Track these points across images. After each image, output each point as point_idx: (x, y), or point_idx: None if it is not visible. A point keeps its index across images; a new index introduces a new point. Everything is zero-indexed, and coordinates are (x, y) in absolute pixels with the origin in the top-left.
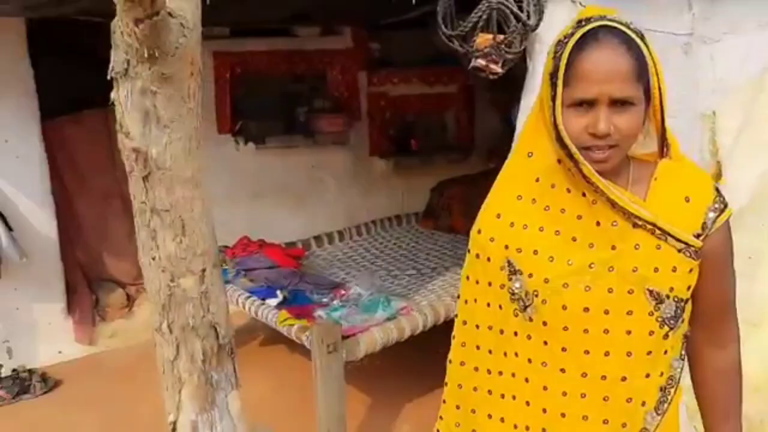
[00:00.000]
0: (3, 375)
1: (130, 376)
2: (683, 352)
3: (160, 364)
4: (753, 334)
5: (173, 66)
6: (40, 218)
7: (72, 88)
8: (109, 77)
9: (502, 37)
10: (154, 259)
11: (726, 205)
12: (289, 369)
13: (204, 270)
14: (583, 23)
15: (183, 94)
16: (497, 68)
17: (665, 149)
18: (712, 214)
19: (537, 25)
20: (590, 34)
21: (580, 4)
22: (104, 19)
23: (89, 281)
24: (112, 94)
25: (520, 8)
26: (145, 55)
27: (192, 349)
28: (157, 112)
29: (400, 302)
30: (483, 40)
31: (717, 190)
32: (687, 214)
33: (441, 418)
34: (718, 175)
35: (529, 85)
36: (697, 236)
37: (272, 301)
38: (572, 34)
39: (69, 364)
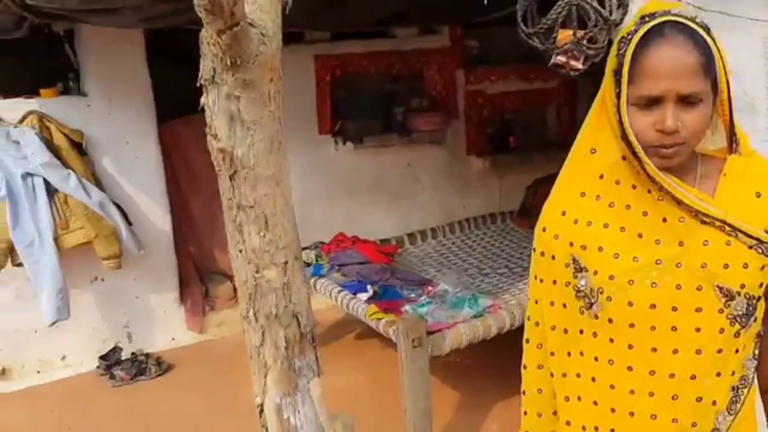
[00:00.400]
0: (123, 357)
1: (235, 362)
2: (756, 352)
3: (248, 349)
4: None
5: (254, 72)
6: (156, 215)
7: (184, 92)
8: (198, 84)
9: (582, 33)
10: (241, 251)
11: None
12: (382, 362)
13: (286, 262)
14: (647, 19)
15: (264, 98)
16: (578, 64)
17: (734, 145)
18: None
19: (621, 20)
20: (655, 30)
21: None
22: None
23: (200, 274)
24: (202, 100)
25: (602, 3)
26: (228, 63)
27: (276, 337)
28: (241, 115)
29: (487, 300)
30: (563, 36)
31: None
32: (758, 209)
33: None
34: None
35: None
36: None
37: (363, 296)
38: (636, 31)
39: (181, 350)
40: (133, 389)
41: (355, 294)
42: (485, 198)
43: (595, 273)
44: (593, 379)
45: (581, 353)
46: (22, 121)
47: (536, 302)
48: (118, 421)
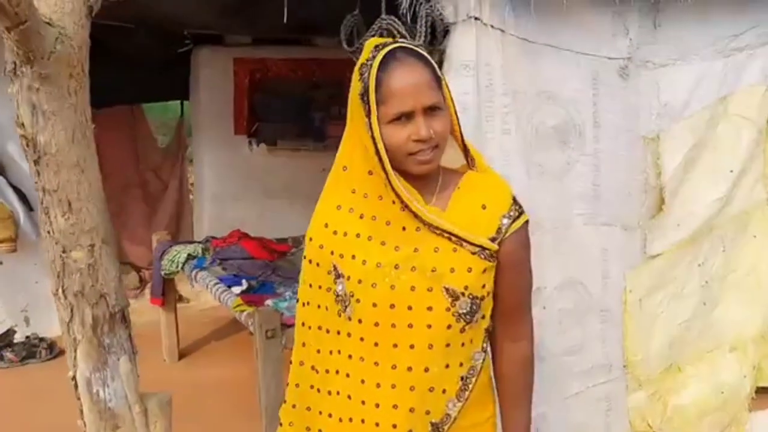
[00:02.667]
0: (16, 341)
1: None
2: (485, 345)
3: (60, 325)
4: (707, 359)
5: (50, 67)
6: None
7: (100, 85)
8: (2, 75)
9: None
10: (48, 232)
11: (521, 213)
12: None
13: (92, 245)
14: (380, 47)
15: (63, 92)
16: None
17: (470, 161)
18: (506, 221)
19: (428, 43)
20: (390, 56)
21: (492, 27)
22: (132, 25)
23: None
24: (9, 89)
25: (414, 29)
26: (24, 57)
27: (83, 314)
28: (42, 106)
29: None
30: None
31: (514, 199)
32: (483, 220)
33: (281, 424)
34: (660, 198)
35: None
36: (493, 240)
37: (236, 289)
38: (374, 57)
39: None
40: (21, 371)
41: (229, 287)
42: None
43: (348, 278)
44: (348, 375)
45: (339, 351)
46: None
47: (303, 305)
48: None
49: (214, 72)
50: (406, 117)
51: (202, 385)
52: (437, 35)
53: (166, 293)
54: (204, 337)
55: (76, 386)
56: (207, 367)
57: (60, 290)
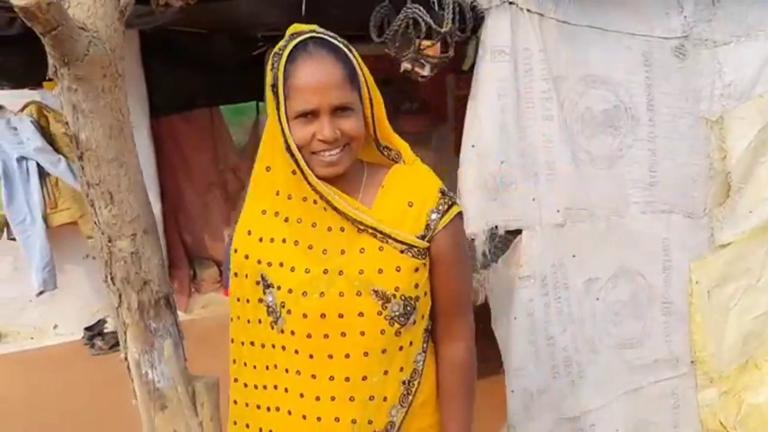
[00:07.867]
0: (106, 330)
1: (210, 340)
2: (425, 346)
3: (112, 309)
4: None
5: (84, 69)
6: None
7: (181, 90)
8: (47, 79)
9: (418, 42)
10: (96, 223)
11: (451, 206)
12: None
13: (134, 234)
14: (295, 36)
15: (98, 91)
16: (423, 72)
17: (396, 154)
18: (435, 216)
19: (458, 31)
20: (300, 46)
21: (528, 11)
22: (206, 31)
23: (189, 258)
24: (56, 90)
25: (442, 16)
26: (59, 60)
27: (129, 299)
28: (81, 105)
29: None
30: (427, 46)
31: (443, 191)
32: (410, 217)
33: None
34: (726, 183)
35: (473, 90)
36: (422, 237)
37: None
38: (285, 46)
39: None
40: (109, 358)
41: None
42: None
43: (279, 288)
44: (286, 390)
45: (275, 366)
46: (22, 109)
47: (232, 320)
48: (88, 383)
49: None
50: (313, 114)
51: None
52: (467, 22)
53: None
54: None
55: (128, 367)
56: None
57: (108, 277)
